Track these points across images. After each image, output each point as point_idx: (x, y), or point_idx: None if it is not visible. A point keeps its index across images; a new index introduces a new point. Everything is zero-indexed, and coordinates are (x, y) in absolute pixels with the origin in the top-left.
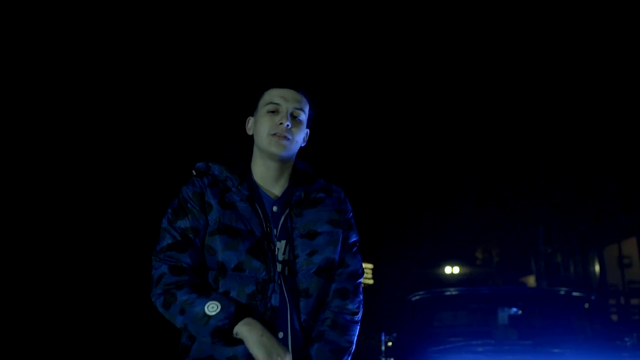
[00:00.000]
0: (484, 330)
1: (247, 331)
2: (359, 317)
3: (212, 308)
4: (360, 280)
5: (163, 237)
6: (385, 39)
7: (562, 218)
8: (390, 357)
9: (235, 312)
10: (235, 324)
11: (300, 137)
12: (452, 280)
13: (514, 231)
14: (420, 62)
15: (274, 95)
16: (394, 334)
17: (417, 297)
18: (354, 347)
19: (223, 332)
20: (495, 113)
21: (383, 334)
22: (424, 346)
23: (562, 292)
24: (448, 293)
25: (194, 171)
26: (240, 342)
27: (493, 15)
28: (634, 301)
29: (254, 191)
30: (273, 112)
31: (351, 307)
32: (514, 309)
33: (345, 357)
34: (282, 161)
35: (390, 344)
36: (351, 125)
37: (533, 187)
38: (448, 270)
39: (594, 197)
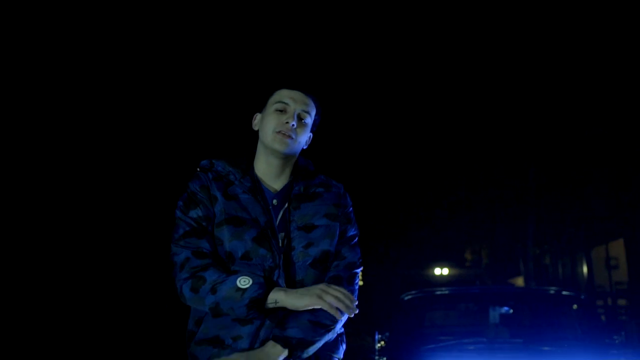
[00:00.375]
0: (476, 329)
1: (284, 295)
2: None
3: (244, 282)
4: (355, 271)
5: (179, 226)
6: (378, 44)
7: (550, 220)
8: (383, 357)
9: (265, 282)
10: (268, 292)
11: (304, 138)
12: (441, 281)
13: (503, 233)
14: (408, 64)
15: (284, 96)
16: (387, 333)
17: (410, 297)
18: (336, 327)
19: (258, 302)
20: (485, 117)
21: (377, 332)
22: (416, 345)
23: (552, 292)
24: (439, 292)
25: (198, 168)
26: (249, 322)
27: (482, 19)
28: (620, 302)
29: (256, 184)
30: (281, 111)
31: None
32: (505, 308)
33: (324, 331)
34: (284, 158)
35: (383, 343)
36: (340, 127)
37: (522, 189)
38: (437, 271)
39: (582, 199)
